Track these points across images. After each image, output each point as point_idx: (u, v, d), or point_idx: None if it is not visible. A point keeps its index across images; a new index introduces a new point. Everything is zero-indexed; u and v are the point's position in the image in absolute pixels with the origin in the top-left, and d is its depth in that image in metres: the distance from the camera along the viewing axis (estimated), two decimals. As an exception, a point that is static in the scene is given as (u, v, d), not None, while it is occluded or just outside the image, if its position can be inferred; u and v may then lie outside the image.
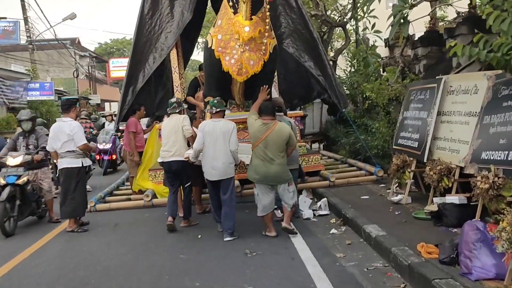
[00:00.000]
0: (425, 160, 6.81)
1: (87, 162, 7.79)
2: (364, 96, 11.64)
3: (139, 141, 9.93)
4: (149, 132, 10.22)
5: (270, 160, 6.38)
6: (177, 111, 7.68)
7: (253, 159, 6.57)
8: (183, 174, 7.45)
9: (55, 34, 31.64)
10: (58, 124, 7.61)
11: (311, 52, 9.86)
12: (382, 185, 8.97)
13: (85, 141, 7.64)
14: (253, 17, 7.20)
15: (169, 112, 7.83)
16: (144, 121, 11.43)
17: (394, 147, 8.14)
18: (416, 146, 7.16)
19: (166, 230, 7.18)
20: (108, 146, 13.78)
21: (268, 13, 7.34)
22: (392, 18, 6.62)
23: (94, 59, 48.15)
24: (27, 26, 26.56)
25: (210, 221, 7.43)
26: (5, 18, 22.69)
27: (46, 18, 30.77)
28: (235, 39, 7.39)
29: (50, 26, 28.96)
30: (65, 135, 7.43)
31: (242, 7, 7.16)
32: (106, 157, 13.62)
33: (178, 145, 7.36)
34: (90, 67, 44.54)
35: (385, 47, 15.27)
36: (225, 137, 6.66)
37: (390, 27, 6.80)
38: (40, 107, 24.86)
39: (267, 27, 7.35)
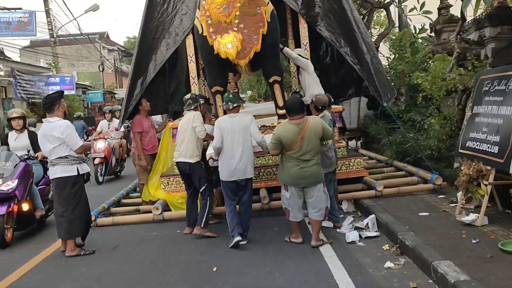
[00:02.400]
0: (511, 171, 5.18)
1: (85, 168, 6.38)
2: (415, 86, 10.02)
3: (149, 141, 8.52)
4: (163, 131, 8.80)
5: (306, 161, 5.77)
6: (192, 107, 6.81)
7: (285, 161, 5.92)
8: (193, 176, 6.72)
9: (79, 27, 30.69)
10: (45, 126, 6.18)
11: (347, 35, 8.25)
12: (442, 196, 7.32)
13: (81, 143, 6.24)
14: None
15: (184, 109, 6.92)
16: (157, 118, 10.08)
17: (460, 150, 6.47)
18: (496, 152, 5.49)
19: (176, 255, 5.88)
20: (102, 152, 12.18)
21: None
22: None
23: (121, 52, 47.43)
24: (49, 19, 25.66)
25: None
26: (20, 8, 21.65)
27: (69, 10, 29.82)
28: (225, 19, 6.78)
29: (74, 18, 27.86)
30: (55, 139, 6.01)
31: None
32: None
33: (185, 145, 6.70)
34: (116, 61, 43.65)
35: (431, 32, 13.57)
36: (246, 132, 6.21)
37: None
38: (61, 102, 23.95)
39: None
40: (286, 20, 9.29)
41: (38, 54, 32.56)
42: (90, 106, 34.80)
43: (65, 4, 50.11)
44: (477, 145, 5.98)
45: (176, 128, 7.30)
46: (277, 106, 7.77)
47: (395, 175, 8.88)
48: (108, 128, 12.90)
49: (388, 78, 10.64)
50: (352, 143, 13.93)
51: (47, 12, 25.63)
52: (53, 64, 25.79)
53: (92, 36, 36.37)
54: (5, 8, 21.66)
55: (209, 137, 6.71)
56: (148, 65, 8.10)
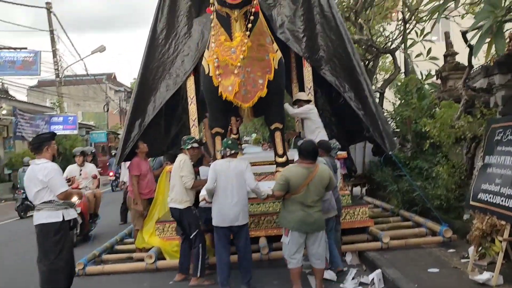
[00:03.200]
0: (528, 227, 4.81)
1: (71, 214, 5.97)
2: (422, 133, 9.72)
3: (146, 185, 8.19)
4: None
5: (309, 206, 5.62)
6: (188, 147, 6.70)
7: (289, 205, 5.72)
8: (183, 222, 6.59)
9: (86, 68, 30.88)
10: (30, 169, 5.81)
11: (351, 80, 8.10)
12: (452, 250, 6.90)
13: (65, 188, 5.78)
14: (236, 34, 6.64)
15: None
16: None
17: (472, 202, 6.11)
18: (511, 206, 5.15)
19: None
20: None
21: (265, 26, 6.93)
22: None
23: (127, 93, 47.72)
24: (55, 59, 25.80)
25: None
26: (25, 48, 21.76)
27: (76, 51, 30.29)
28: (233, 62, 6.71)
29: (80, 58, 28.12)
30: (38, 182, 5.59)
31: (234, 25, 6.62)
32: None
33: (175, 190, 6.60)
34: (121, 102, 43.85)
35: (437, 78, 13.39)
36: (240, 177, 6.07)
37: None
38: (63, 141, 23.86)
39: (267, 39, 6.87)
40: (290, 63, 9.13)
41: (45, 93, 32.74)
42: (93, 146, 34.71)
43: (72, 45, 50.78)
44: (490, 198, 5.62)
45: (173, 171, 7.02)
46: (276, 154, 7.55)
47: (402, 225, 8.48)
48: (80, 175, 9.97)
49: (394, 124, 10.45)
50: (357, 190, 13.54)
51: (54, 52, 25.79)
52: (57, 104, 25.76)
53: (99, 76, 36.69)
54: (10, 48, 21.79)
55: (199, 184, 6.54)
56: (147, 106, 7.90)
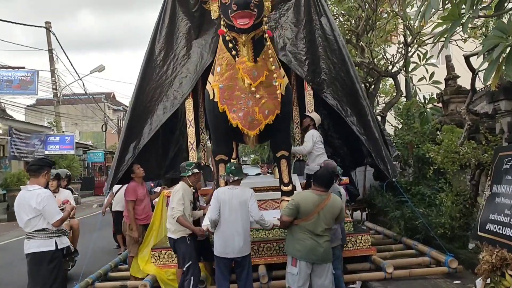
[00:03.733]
0: (541, 262, 4.58)
1: (64, 242, 5.73)
2: (424, 158, 9.54)
3: (142, 211, 7.93)
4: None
5: (319, 236, 5.42)
6: (189, 174, 6.55)
7: (297, 233, 5.50)
8: (177, 252, 6.44)
9: (84, 87, 30.73)
10: (22, 195, 5.56)
11: (353, 104, 7.97)
12: (457, 281, 6.65)
13: (60, 215, 5.60)
14: (258, 59, 6.41)
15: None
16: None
17: (479, 233, 5.86)
18: (523, 238, 4.92)
19: None
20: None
21: (271, 51, 6.69)
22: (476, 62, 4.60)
23: (126, 112, 47.50)
24: (53, 78, 25.69)
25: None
26: (23, 67, 21.64)
27: (75, 70, 30.27)
28: (240, 87, 6.54)
29: (79, 78, 27.96)
30: (31, 210, 5.37)
31: (242, 50, 6.37)
32: None
33: (169, 220, 6.46)
34: (120, 121, 43.70)
35: (438, 102, 13.27)
36: (245, 206, 5.92)
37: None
38: (60, 161, 23.63)
39: (274, 66, 6.60)
40: (291, 85, 8.95)
41: (42, 113, 32.58)
42: (90, 166, 34.44)
43: (71, 64, 50.70)
44: (499, 229, 5.39)
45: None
46: (282, 182, 7.24)
47: (405, 253, 8.20)
48: None
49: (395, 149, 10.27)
50: (357, 214, 13.28)
51: (52, 72, 25.70)
52: (54, 123, 25.58)
53: (98, 96, 36.59)
54: (9, 67, 21.68)
55: (184, 224, 6.22)
56: (143, 128, 7.70)
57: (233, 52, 6.40)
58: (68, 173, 9.71)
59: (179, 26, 8.09)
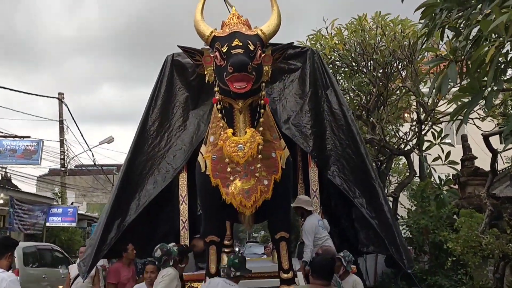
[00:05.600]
0: None
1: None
2: (440, 244, 8.74)
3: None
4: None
5: None
6: (171, 263, 5.90)
7: None
8: None
9: (94, 158, 30.48)
10: None
11: (363, 185, 7.29)
12: None
13: None
14: (247, 129, 5.75)
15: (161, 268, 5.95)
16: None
17: None
18: None
19: None
20: None
21: (272, 120, 6.42)
22: None
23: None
24: (62, 148, 25.48)
25: None
26: (28, 137, 21.43)
27: (85, 141, 30.27)
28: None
29: (89, 148, 27.75)
30: None
31: (238, 117, 5.83)
32: None
33: None
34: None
35: (455, 184, 12.55)
36: None
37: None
38: (60, 234, 22.90)
39: (274, 135, 6.21)
40: (296, 161, 8.36)
41: (52, 183, 32.26)
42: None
43: (82, 135, 50.79)
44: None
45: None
46: (281, 268, 6.36)
47: None
48: None
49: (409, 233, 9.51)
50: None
51: (62, 142, 25.53)
52: (59, 194, 25.11)
53: (109, 168, 36.37)
54: (16, 136, 21.50)
55: None
56: (130, 204, 7.02)
57: (224, 123, 5.87)
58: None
59: (176, 96, 7.63)
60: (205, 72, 5.98)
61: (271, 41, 6.11)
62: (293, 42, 6.75)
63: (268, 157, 6.01)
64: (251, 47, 5.54)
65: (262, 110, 5.92)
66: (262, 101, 5.91)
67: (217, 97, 5.89)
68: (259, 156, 5.76)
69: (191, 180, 7.59)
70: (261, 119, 5.92)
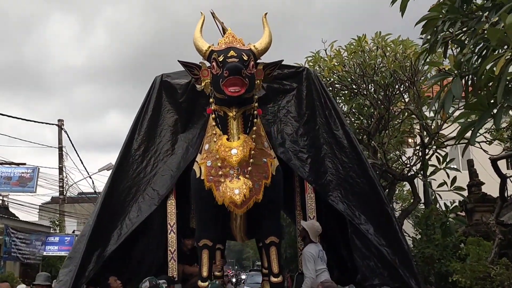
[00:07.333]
0: None
1: None
2: (447, 275, 8.22)
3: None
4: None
5: None
6: None
7: None
8: None
9: (94, 186, 30.10)
10: None
11: (371, 210, 6.86)
12: None
13: None
14: (240, 135, 6.20)
15: None
16: None
17: None
18: None
19: None
20: None
21: (262, 130, 6.80)
22: None
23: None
24: (61, 176, 25.14)
25: None
26: (24, 164, 21.18)
27: (85, 168, 30.00)
28: (228, 164, 6.16)
29: (88, 175, 27.40)
30: None
31: (232, 124, 6.25)
32: None
33: None
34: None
35: (461, 211, 12.04)
36: None
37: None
38: (57, 263, 22.35)
39: (265, 144, 6.67)
40: (294, 187, 7.93)
41: (54, 212, 31.89)
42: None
43: (82, 163, 50.05)
44: None
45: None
46: (271, 273, 6.62)
47: None
48: None
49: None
50: None
51: (60, 169, 25.20)
52: (57, 223, 24.68)
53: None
54: (12, 163, 21.23)
55: None
56: (111, 233, 6.59)
57: (218, 130, 6.30)
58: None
59: (164, 118, 7.27)
60: (202, 84, 6.42)
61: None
62: (283, 60, 6.75)
63: (259, 163, 6.39)
64: (245, 58, 6.06)
65: (255, 120, 6.38)
66: (255, 112, 6.40)
67: (212, 107, 6.33)
68: (251, 160, 6.16)
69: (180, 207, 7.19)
70: (254, 128, 6.34)
